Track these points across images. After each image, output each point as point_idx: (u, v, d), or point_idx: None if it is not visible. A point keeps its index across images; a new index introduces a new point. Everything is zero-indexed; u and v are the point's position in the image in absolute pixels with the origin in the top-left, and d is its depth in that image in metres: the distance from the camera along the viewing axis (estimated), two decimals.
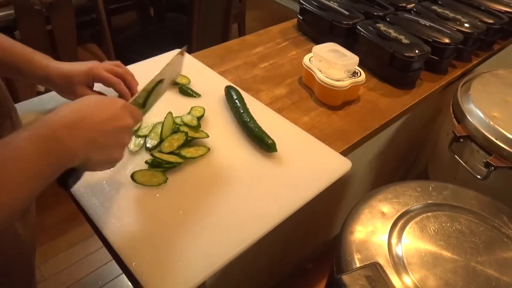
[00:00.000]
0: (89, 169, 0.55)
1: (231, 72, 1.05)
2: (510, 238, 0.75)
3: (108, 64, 0.79)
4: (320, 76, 0.94)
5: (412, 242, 0.72)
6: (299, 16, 1.29)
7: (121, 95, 0.78)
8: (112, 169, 0.71)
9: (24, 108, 0.82)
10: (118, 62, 0.81)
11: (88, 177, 0.69)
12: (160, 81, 0.70)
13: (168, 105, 0.87)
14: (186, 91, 0.91)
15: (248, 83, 1.02)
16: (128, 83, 0.79)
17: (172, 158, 0.72)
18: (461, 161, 1.03)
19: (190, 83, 0.95)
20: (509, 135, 0.95)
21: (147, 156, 0.74)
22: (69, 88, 0.74)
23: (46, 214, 1.65)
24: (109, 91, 0.79)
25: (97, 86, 0.79)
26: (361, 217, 0.78)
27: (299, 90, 1.02)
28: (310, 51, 1.02)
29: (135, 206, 0.66)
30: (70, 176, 0.53)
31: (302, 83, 1.04)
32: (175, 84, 0.93)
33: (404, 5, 1.29)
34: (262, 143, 0.77)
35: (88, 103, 0.53)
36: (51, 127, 0.47)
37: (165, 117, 0.79)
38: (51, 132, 0.46)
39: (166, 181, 0.69)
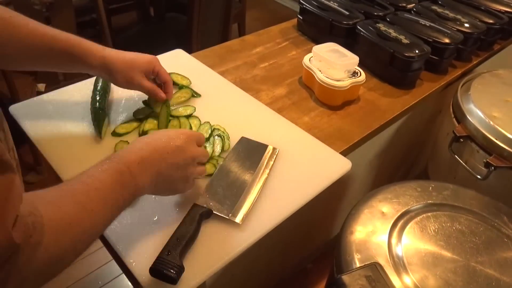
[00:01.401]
0: (155, 194, 0.62)
1: (231, 72, 1.05)
2: (510, 238, 0.75)
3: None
4: (320, 76, 0.94)
5: (412, 242, 0.72)
6: (299, 16, 1.29)
7: (162, 95, 0.80)
8: None
9: (24, 108, 0.82)
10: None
11: None
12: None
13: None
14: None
15: (248, 83, 1.02)
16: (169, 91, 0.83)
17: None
18: (461, 161, 1.03)
19: (190, 83, 0.94)
20: (509, 135, 0.95)
21: None
22: (131, 74, 0.74)
23: None
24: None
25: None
26: (361, 217, 0.78)
27: (299, 90, 1.02)
28: (310, 51, 1.02)
29: (135, 206, 0.66)
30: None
31: (302, 83, 1.04)
32: (175, 84, 0.93)
33: (404, 5, 1.29)
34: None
35: (156, 137, 0.59)
36: (126, 163, 0.53)
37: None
38: (126, 168, 0.52)
39: None
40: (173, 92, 0.85)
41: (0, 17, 0.63)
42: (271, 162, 0.75)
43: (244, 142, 0.79)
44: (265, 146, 0.78)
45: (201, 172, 0.65)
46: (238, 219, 0.64)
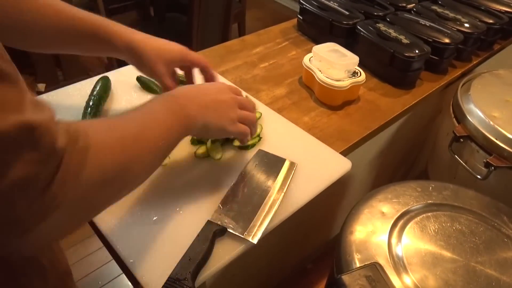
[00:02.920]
0: (209, 134, 0.69)
1: (231, 72, 1.05)
2: (510, 238, 0.75)
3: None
4: (320, 76, 0.94)
5: (412, 242, 0.72)
6: (299, 16, 1.29)
7: (208, 79, 0.78)
8: None
9: None
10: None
11: None
12: None
13: None
14: None
15: (248, 83, 1.02)
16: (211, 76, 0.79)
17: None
18: (461, 161, 1.03)
19: None
20: (509, 135, 0.95)
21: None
22: (152, 65, 0.71)
23: None
24: None
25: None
26: (361, 217, 0.78)
27: (299, 90, 1.02)
28: (310, 51, 1.02)
29: (135, 206, 0.66)
30: None
31: (302, 83, 1.04)
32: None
33: (404, 5, 1.29)
34: None
35: (197, 84, 0.68)
36: (175, 96, 0.58)
37: None
38: (175, 99, 0.58)
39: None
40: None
41: None
42: (289, 178, 0.72)
43: (261, 155, 0.76)
44: (282, 160, 0.75)
45: (248, 116, 0.66)
46: (254, 239, 0.61)
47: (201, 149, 0.76)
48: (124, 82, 0.92)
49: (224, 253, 0.60)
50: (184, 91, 0.61)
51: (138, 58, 0.71)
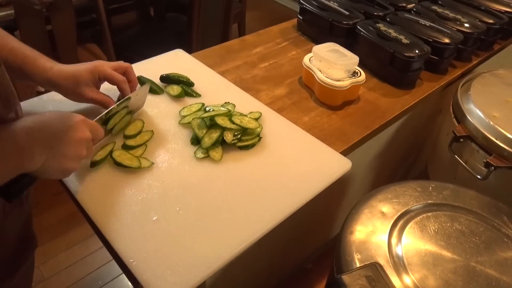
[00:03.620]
0: (43, 176, 0.56)
1: (231, 72, 1.05)
2: (510, 238, 0.75)
3: (112, 62, 0.79)
4: (320, 76, 0.94)
5: (412, 242, 0.72)
6: (299, 16, 1.29)
7: (122, 95, 0.78)
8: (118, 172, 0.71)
9: (24, 108, 0.82)
10: (121, 62, 0.81)
11: (88, 177, 0.70)
12: (126, 101, 0.76)
13: (170, 105, 0.87)
14: (186, 91, 0.91)
15: (248, 83, 1.02)
16: (132, 82, 0.80)
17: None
18: (461, 161, 1.03)
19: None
20: (509, 135, 0.95)
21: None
22: (76, 90, 0.74)
23: (46, 214, 1.65)
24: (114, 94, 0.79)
25: (103, 89, 0.79)
26: (361, 217, 0.78)
27: (299, 90, 1.02)
28: (310, 51, 1.02)
29: (135, 206, 0.66)
30: (13, 187, 0.52)
31: (302, 83, 1.04)
32: (174, 83, 0.93)
33: (404, 5, 1.29)
34: None
35: (49, 115, 0.57)
36: (11, 130, 0.50)
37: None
38: (9, 134, 0.49)
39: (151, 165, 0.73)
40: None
41: None
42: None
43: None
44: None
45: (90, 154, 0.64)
46: None
47: (201, 150, 0.76)
48: None
49: (224, 253, 0.60)
50: (27, 125, 0.52)
51: (59, 91, 0.75)
